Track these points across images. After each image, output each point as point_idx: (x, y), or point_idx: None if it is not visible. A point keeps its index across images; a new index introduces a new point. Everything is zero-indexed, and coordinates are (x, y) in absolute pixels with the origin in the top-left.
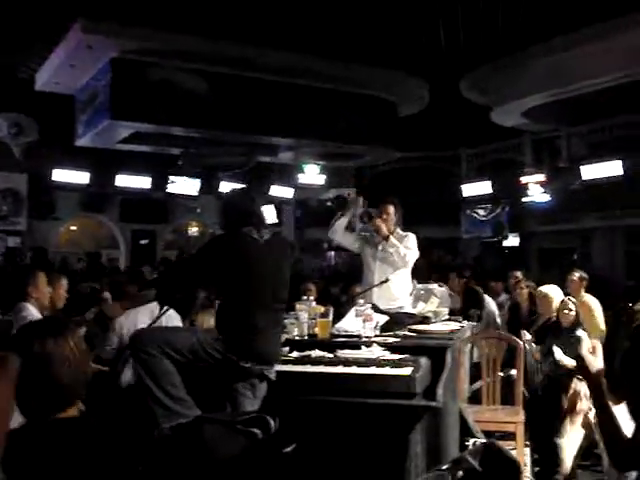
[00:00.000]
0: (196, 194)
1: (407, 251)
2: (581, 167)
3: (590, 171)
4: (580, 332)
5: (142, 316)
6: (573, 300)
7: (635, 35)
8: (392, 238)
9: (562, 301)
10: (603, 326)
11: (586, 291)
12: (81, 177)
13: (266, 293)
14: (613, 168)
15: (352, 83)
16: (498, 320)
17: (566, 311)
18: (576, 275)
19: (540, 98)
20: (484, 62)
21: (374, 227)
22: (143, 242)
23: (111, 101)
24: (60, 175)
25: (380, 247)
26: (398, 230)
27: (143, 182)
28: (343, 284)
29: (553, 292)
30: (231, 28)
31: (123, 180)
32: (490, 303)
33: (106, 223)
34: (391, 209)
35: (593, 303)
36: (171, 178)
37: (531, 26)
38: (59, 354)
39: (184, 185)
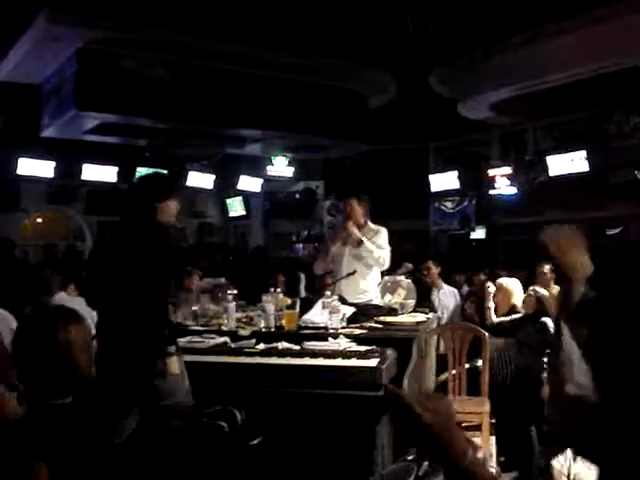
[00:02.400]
0: None
1: (381, 252)
2: (547, 159)
3: (557, 166)
4: (544, 319)
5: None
6: (538, 290)
7: (599, 29)
8: (366, 242)
9: (531, 290)
10: None
11: (555, 283)
12: (47, 168)
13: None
14: (578, 163)
15: (320, 75)
16: (447, 313)
17: (527, 300)
18: (547, 268)
19: (507, 92)
20: (452, 55)
21: (347, 232)
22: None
23: (77, 91)
24: (25, 166)
25: (351, 245)
26: (370, 224)
27: (110, 174)
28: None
29: (511, 284)
30: (197, 19)
31: (89, 172)
32: (446, 295)
33: (72, 215)
34: (354, 203)
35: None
36: (138, 170)
37: (498, 20)
38: (80, 340)
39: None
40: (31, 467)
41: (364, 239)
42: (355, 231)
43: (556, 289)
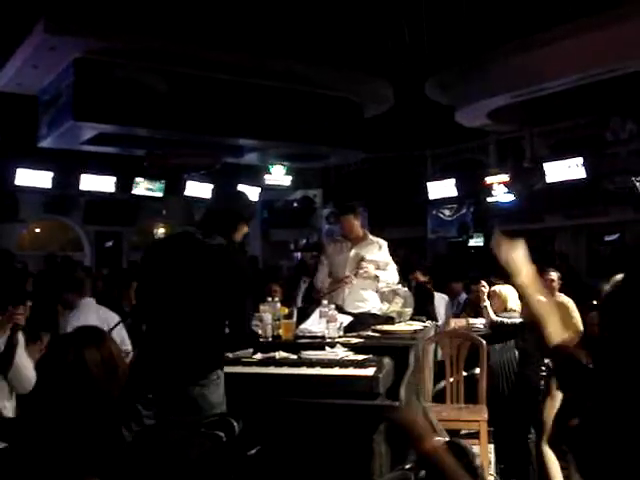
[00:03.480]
0: (161, 195)
1: (392, 276)
2: (544, 165)
3: (554, 173)
4: None
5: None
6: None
7: (595, 37)
8: (381, 276)
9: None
10: (581, 326)
11: (559, 291)
12: (44, 179)
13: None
14: (575, 170)
15: (317, 84)
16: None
17: (523, 306)
18: (553, 275)
19: (503, 99)
20: (448, 64)
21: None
22: (108, 244)
23: (74, 102)
24: (23, 177)
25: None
26: (369, 236)
27: (108, 184)
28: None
29: (505, 290)
30: (195, 29)
31: (87, 182)
32: (439, 303)
33: (70, 225)
34: (350, 218)
35: (569, 303)
36: (136, 180)
37: (494, 28)
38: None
39: (149, 187)
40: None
41: (379, 274)
42: (371, 272)
43: (562, 297)
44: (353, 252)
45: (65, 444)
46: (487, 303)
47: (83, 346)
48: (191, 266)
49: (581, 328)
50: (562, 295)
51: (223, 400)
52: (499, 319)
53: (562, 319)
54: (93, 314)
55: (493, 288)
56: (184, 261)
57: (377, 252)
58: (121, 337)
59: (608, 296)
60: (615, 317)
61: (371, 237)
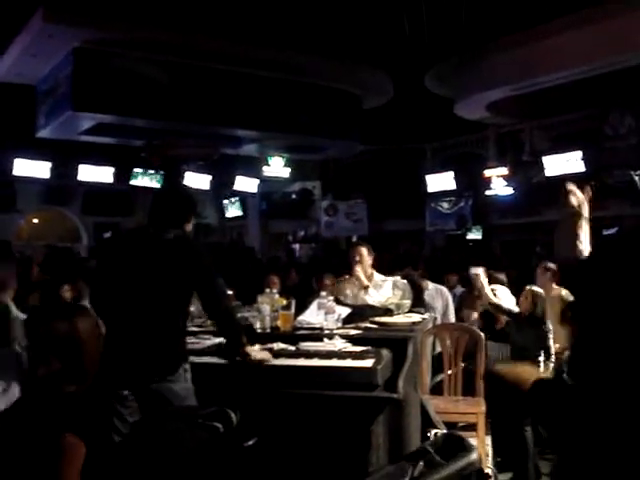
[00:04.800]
0: (159, 186)
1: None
2: (543, 159)
3: (553, 167)
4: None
5: None
6: (536, 289)
7: (596, 29)
8: (371, 292)
9: (527, 290)
10: None
11: (557, 284)
12: (43, 169)
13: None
14: (575, 163)
15: (316, 75)
16: (435, 312)
17: (522, 299)
18: (549, 267)
19: (503, 92)
20: (448, 56)
21: (354, 276)
22: (106, 235)
23: (73, 92)
24: (21, 167)
25: (361, 295)
26: (375, 275)
27: (106, 174)
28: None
29: (499, 292)
30: (194, 19)
31: (86, 172)
32: (431, 296)
33: (68, 216)
34: (363, 250)
35: (565, 295)
36: (134, 170)
37: (494, 20)
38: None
39: (147, 177)
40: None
41: (370, 288)
42: (361, 275)
43: (556, 290)
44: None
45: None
46: (485, 285)
47: (52, 320)
48: (148, 261)
49: None
50: (557, 287)
51: (191, 392)
52: (497, 301)
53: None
54: None
55: (492, 286)
56: (141, 257)
57: (380, 290)
58: None
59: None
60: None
61: (377, 276)
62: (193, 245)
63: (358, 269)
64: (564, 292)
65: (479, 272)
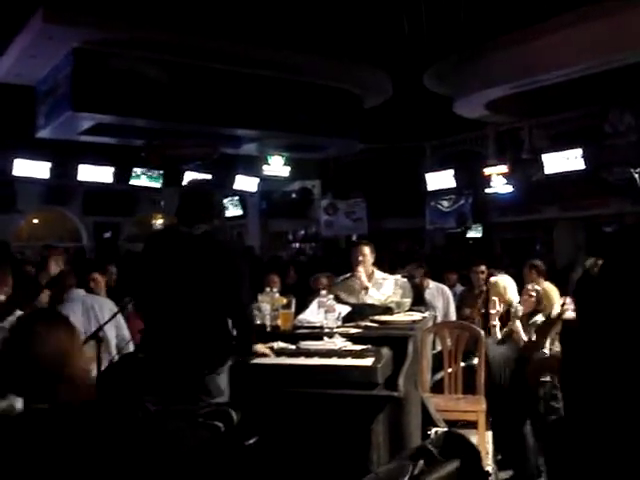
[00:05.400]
0: (159, 186)
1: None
2: (543, 157)
3: (552, 164)
4: (538, 317)
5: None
6: (537, 288)
7: (595, 27)
8: (371, 292)
9: (525, 288)
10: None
11: (545, 279)
12: (42, 169)
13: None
14: (574, 161)
15: (316, 75)
16: (436, 311)
17: (526, 297)
18: (528, 264)
19: (502, 90)
20: (447, 54)
21: (356, 276)
22: (106, 235)
23: (72, 92)
24: (21, 168)
25: (361, 295)
26: (377, 273)
27: (106, 174)
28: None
29: (503, 281)
30: (193, 19)
31: (85, 172)
32: (432, 294)
33: (69, 216)
34: (366, 250)
35: (550, 290)
36: (134, 170)
37: (493, 19)
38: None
39: (147, 177)
40: None
41: (370, 288)
42: (363, 275)
43: (544, 284)
44: (362, 294)
45: None
46: (497, 323)
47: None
48: (182, 258)
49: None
50: (545, 283)
51: (227, 388)
52: (503, 337)
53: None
54: (78, 306)
55: (491, 280)
56: (174, 255)
57: (380, 289)
58: (118, 325)
59: (579, 281)
60: (586, 301)
61: (378, 274)
62: (221, 241)
63: (360, 269)
64: (547, 286)
65: (493, 310)
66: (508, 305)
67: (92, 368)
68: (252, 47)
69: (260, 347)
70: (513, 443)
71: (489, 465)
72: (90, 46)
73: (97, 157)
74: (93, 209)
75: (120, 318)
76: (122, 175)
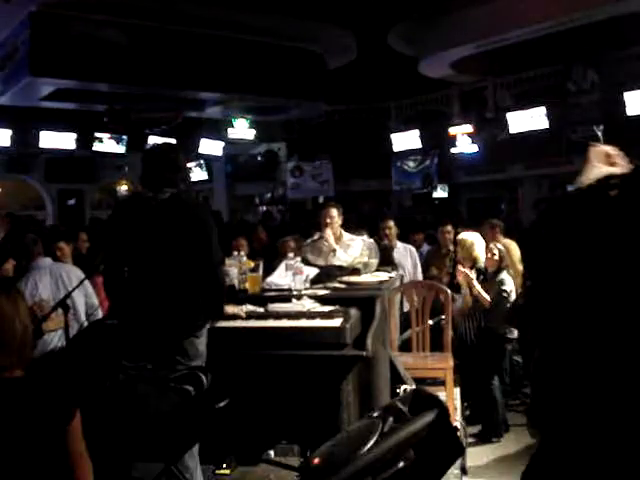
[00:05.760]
0: (123, 152)
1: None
2: (507, 116)
3: (517, 123)
4: (503, 275)
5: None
6: (499, 246)
7: None
8: (339, 254)
9: (487, 246)
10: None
11: (504, 237)
12: (3, 137)
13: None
14: (538, 120)
15: (279, 35)
16: (405, 271)
17: (489, 255)
18: (487, 224)
19: (466, 49)
20: (411, 13)
21: (323, 237)
22: (70, 202)
23: (30, 57)
24: None
25: (330, 257)
26: (345, 235)
27: (68, 141)
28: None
29: (471, 237)
30: None
31: (47, 139)
32: (400, 253)
33: (31, 184)
34: (334, 212)
35: (511, 247)
36: (97, 136)
37: None
38: (12, 312)
39: (110, 143)
40: None
41: (338, 250)
42: (330, 237)
43: (504, 241)
44: (331, 256)
45: None
46: (477, 286)
47: None
48: (150, 224)
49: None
50: (505, 240)
51: (205, 352)
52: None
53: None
54: (45, 275)
55: (458, 237)
56: (142, 222)
57: (347, 250)
58: (86, 293)
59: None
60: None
61: (346, 236)
62: (189, 203)
63: (328, 232)
64: (507, 242)
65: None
66: (474, 262)
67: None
68: (214, 8)
69: (231, 308)
70: (480, 399)
71: (457, 421)
72: (48, 9)
73: (59, 123)
74: (56, 176)
75: (88, 286)
76: (85, 141)
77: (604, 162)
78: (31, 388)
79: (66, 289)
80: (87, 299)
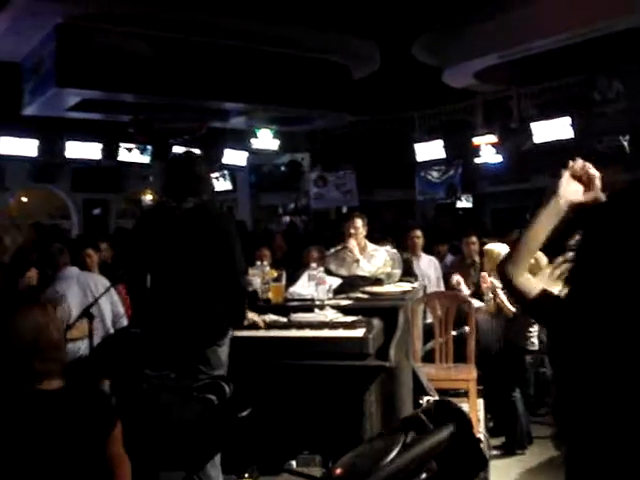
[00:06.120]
0: (148, 161)
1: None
2: (532, 126)
3: (541, 133)
4: None
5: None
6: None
7: None
8: (362, 264)
9: None
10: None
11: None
12: (30, 147)
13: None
14: (563, 129)
15: (303, 46)
16: (428, 282)
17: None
18: (515, 234)
19: (491, 59)
20: (435, 24)
21: (348, 248)
22: (96, 212)
23: (57, 68)
24: (8, 145)
25: (353, 267)
26: (368, 245)
27: (94, 151)
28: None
29: (498, 248)
30: None
31: (73, 149)
32: (425, 264)
33: (57, 193)
34: (359, 222)
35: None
36: (122, 146)
37: None
38: (46, 320)
39: (136, 153)
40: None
41: (361, 260)
42: (355, 248)
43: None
44: (354, 266)
45: None
46: (501, 294)
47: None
48: (177, 234)
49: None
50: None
51: (227, 360)
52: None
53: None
54: (72, 284)
55: (485, 247)
56: (166, 231)
57: (371, 260)
58: (112, 301)
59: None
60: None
61: (370, 247)
62: (213, 212)
63: (353, 242)
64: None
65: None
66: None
67: (83, 343)
68: (238, 20)
69: (252, 315)
70: (503, 410)
71: (481, 432)
72: (74, 21)
73: (85, 133)
74: (82, 186)
75: (114, 294)
76: (110, 151)
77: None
78: (73, 400)
79: (94, 298)
80: (113, 307)
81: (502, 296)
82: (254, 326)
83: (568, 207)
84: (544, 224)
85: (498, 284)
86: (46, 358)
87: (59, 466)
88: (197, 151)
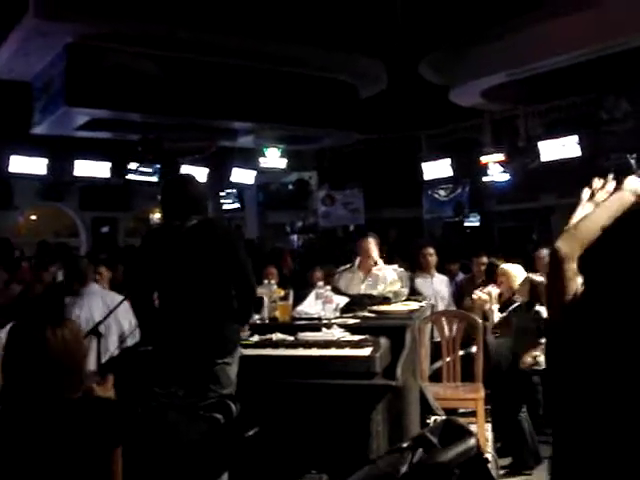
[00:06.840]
0: (156, 180)
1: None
2: (539, 144)
3: (549, 152)
4: (538, 307)
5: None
6: (533, 277)
7: (588, 15)
8: (369, 280)
9: (525, 277)
10: None
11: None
12: (39, 165)
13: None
14: (571, 148)
15: (311, 66)
16: (441, 300)
17: (521, 287)
18: (544, 252)
19: (498, 78)
20: (442, 43)
21: (354, 266)
22: (104, 230)
23: (66, 88)
24: (17, 164)
25: (360, 285)
26: (380, 265)
27: (102, 169)
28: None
29: (514, 270)
30: (187, 13)
31: (82, 168)
32: (439, 283)
33: (66, 211)
34: (371, 243)
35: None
36: (131, 165)
37: (488, 7)
38: (72, 338)
39: (144, 171)
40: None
41: (368, 279)
42: (362, 271)
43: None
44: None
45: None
46: (495, 307)
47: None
48: (182, 252)
49: None
50: None
51: (235, 378)
52: (497, 321)
53: None
54: (98, 301)
55: (502, 267)
56: (171, 251)
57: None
58: (128, 318)
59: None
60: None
61: (380, 266)
62: (219, 226)
63: (371, 262)
64: None
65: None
66: (513, 293)
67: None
68: (246, 39)
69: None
70: (511, 430)
71: (489, 452)
72: (83, 41)
73: (93, 152)
74: (90, 204)
75: (129, 313)
76: (119, 170)
77: (589, 200)
78: (89, 408)
79: (116, 316)
80: (123, 325)
81: (493, 307)
82: (261, 344)
83: (636, 197)
84: (606, 213)
85: (494, 292)
86: (71, 372)
87: (78, 466)
88: (205, 170)
